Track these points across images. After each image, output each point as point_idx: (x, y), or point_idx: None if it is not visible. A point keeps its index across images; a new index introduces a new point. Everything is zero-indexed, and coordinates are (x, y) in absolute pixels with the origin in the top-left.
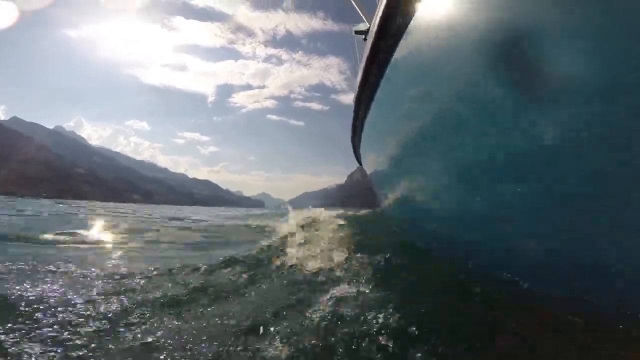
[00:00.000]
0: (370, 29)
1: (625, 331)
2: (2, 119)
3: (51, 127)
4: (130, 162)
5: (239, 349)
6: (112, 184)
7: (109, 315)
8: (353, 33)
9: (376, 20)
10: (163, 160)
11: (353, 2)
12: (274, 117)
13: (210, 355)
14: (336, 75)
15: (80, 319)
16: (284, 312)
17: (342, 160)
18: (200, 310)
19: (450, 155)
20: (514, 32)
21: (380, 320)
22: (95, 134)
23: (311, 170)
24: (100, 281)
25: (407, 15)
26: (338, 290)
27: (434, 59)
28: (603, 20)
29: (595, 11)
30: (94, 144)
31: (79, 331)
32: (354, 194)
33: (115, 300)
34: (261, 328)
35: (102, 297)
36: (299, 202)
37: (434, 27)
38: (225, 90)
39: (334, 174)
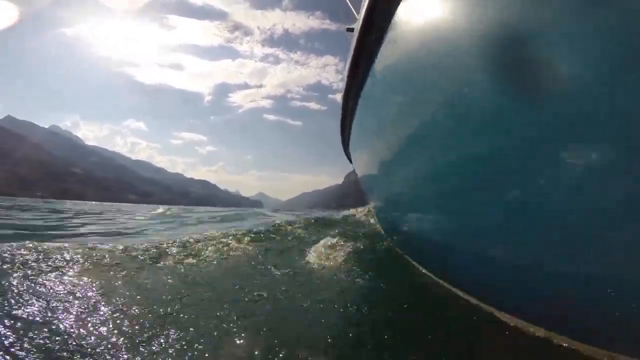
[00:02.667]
0: (357, 23)
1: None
2: None
3: (47, 126)
4: (127, 162)
5: None
6: (108, 184)
7: None
8: (346, 31)
9: (361, 14)
10: (160, 161)
11: (347, 0)
12: (271, 116)
13: None
14: (334, 74)
15: None
16: None
17: (340, 160)
18: None
19: (436, 156)
20: (497, 27)
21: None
22: (91, 134)
23: (309, 170)
24: None
25: (391, 8)
26: None
27: (420, 55)
28: (597, 20)
29: (590, 10)
30: (90, 144)
31: None
32: (350, 193)
33: None
34: None
35: None
36: (296, 203)
37: (420, 21)
38: (223, 90)
39: (332, 174)
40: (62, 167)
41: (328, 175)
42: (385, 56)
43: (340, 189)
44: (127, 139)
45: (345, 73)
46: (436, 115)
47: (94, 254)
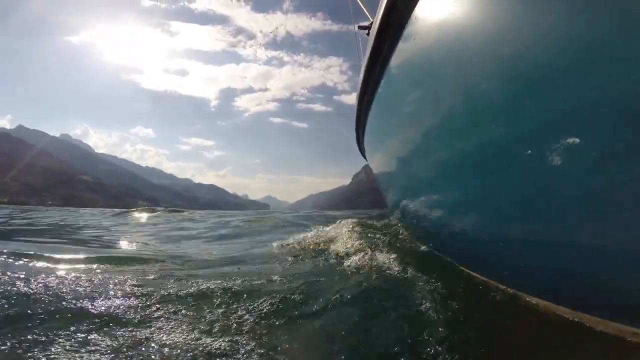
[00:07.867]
0: (373, 23)
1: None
2: (8, 128)
3: (57, 135)
4: (136, 169)
5: None
6: (117, 191)
7: None
8: (356, 29)
9: (379, 14)
10: (169, 167)
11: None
12: (277, 119)
13: None
14: (338, 75)
15: None
16: None
17: (347, 161)
18: None
19: (452, 154)
20: (517, 27)
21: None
22: (101, 142)
23: (316, 172)
24: None
25: (410, 8)
26: None
27: (437, 54)
28: (610, 22)
29: (603, 13)
30: (100, 152)
31: None
32: (362, 192)
33: None
34: None
35: None
36: (304, 205)
37: (437, 21)
38: (228, 94)
39: (339, 175)
40: (73, 175)
41: (335, 176)
42: (402, 55)
43: (348, 189)
44: (137, 146)
45: (361, 72)
46: (458, 111)
47: None
